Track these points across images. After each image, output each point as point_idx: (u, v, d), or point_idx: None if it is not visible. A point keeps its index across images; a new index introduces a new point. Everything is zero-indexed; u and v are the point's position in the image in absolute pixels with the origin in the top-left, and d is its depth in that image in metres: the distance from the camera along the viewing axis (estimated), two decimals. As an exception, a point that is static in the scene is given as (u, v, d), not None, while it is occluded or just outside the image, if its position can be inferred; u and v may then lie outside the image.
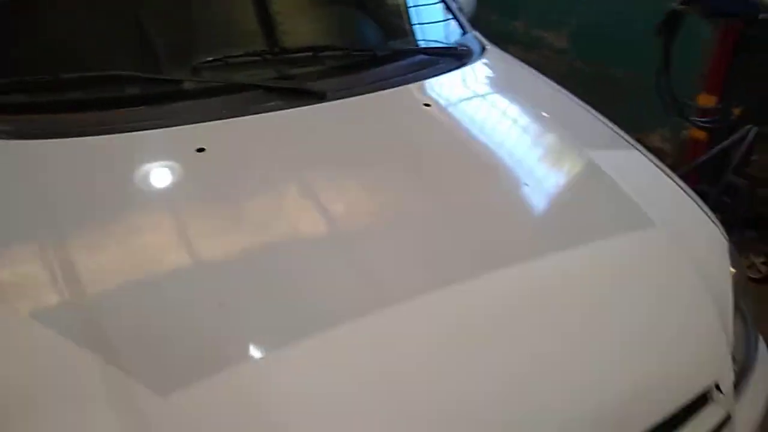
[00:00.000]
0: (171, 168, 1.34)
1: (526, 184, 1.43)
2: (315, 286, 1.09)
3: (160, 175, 1.33)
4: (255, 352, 1.01)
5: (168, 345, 0.98)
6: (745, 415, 1.25)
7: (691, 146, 3.43)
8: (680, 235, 1.36)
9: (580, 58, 4.21)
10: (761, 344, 1.43)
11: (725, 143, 3.00)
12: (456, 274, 1.14)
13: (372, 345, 1.02)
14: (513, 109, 1.74)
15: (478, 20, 5.02)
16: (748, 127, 2.99)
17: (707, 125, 3.02)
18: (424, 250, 1.19)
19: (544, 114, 1.71)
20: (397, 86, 1.65)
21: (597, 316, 1.16)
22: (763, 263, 2.81)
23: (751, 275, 2.80)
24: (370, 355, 1.01)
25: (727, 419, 1.15)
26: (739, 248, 2.69)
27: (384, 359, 1.00)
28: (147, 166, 1.33)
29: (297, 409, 0.93)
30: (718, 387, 1.16)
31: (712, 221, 1.49)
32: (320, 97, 1.53)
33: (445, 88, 1.74)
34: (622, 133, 1.71)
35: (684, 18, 2.78)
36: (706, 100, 3.18)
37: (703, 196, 2.95)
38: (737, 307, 1.33)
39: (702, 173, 3.31)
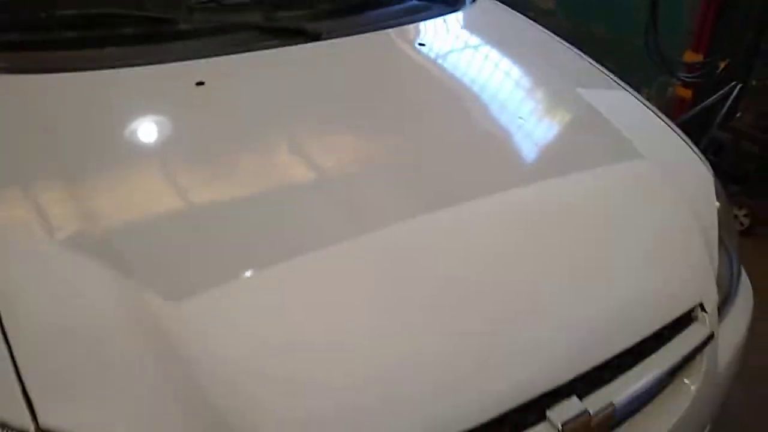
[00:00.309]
0: (173, 98, 1.35)
1: (521, 118, 1.46)
2: (313, 207, 1.13)
3: (162, 105, 1.35)
4: (256, 265, 1.04)
5: (176, 259, 1.01)
6: (728, 337, 1.31)
7: (677, 104, 3.48)
8: (669, 168, 1.40)
9: (567, 19, 4.22)
10: (744, 275, 1.49)
11: (710, 99, 3.05)
12: (451, 200, 1.18)
13: (372, 260, 1.06)
14: (506, 51, 1.75)
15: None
16: (734, 83, 3.05)
17: (694, 80, 3.06)
18: (421, 176, 1.22)
19: (537, 56, 1.74)
20: (390, 28, 1.67)
21: (588, 238, 1.21)
22: (746, 216, 2.88)
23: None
24: (369, 269, 1.05)
25: (710, 337, 1.20)
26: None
27: (385, 272, 1.04)
28: (149, 97, 1.34)
29: (297, 315, 0.97)
30: (702, 307, 1.22)
31: (699, 158, 1.53)
32: (315, 37, 1.54)
33: (439, 30, 1.76)
34: (612, 76, 1.74)
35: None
36: (693, 57, 3.23)
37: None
38: (721, 238, 1.38)
39: (687, 130, 3.37)
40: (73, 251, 1.00)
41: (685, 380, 1.19)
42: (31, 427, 0.84)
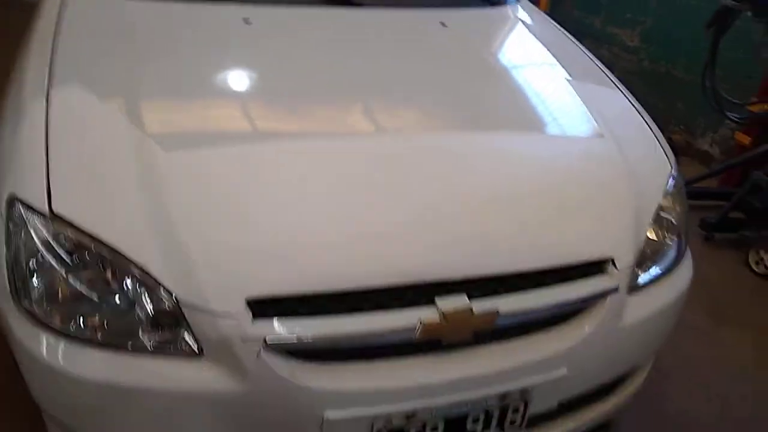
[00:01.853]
0: (223, 29, 1.74)
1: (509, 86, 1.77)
2: (330, 108, 1.53)
3: (214, 33, 1.73)
4: (250, 141, 1.40)
5: (186, 130, 1.38)
6: (649, 300, 1.46)
7: (736, 152, 3.49)
8: (625, 150, 1.57)
9: (649, 58, 4.30)
10: (687, 266, 1.61)
11: (761, 148, 3.06)
12: (440, 124, 1.57)
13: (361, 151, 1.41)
14: (519, 40, 2.01)
15: (559, 14, 5.23)
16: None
17: (741, 122, 3.09)
18: (425, 108, 1.60)
19: (544, 47, 1.98)
20: (423, 8, 1.97)
21: (526, 175, 1.45)
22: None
23: (756, 270, 2.88)
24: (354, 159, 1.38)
25: (613, 290, 1.35)
26: (753, 244, 2.80)
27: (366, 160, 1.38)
28: (203, 27, 1.74)
29: (263, 186, 1.26)
30: (614, 263, 1.37)
31: (666, 154, 1.67)
32: (357, 3, 1.87)
33: (466, 16, 2.06)
34: (612, 77, 1.91)
35: (735, 15, 2.87)
36: (757, 107, 3.24)
37: (728, 195, 3.05)
38: (671, 222, 1.55)
39: (735, 172, 3.38)
40: (119, 114, 1.37)
41: (582, 320, 1.35)
42: (46, 211, 1.17)
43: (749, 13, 2.83)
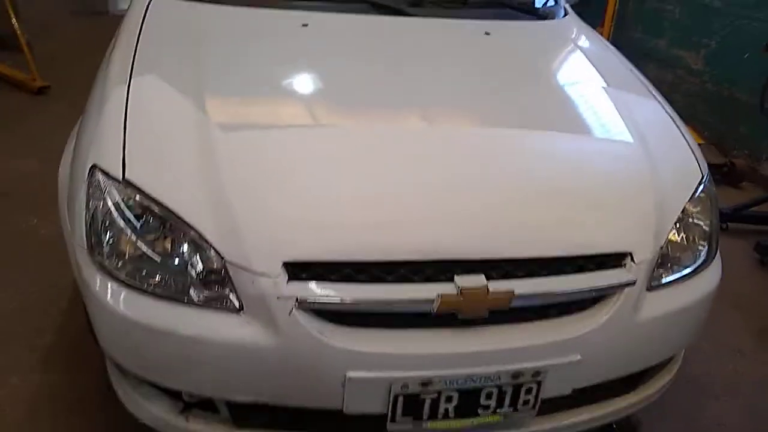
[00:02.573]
0: (283, 32, 1.94)
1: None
2: (374, 102, 1.70)
3: (276, 35, 1.94)
4: (305, 121, 1.61)
5: (245, 113, 1.58)
6: (670, 299, 1.51)
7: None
8: (654, 156, 1.64)
9: (712, 81, 4.25)
10: (715, 271, 1.64)
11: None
12: (478, 121, 1.71)
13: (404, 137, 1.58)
14: (560, 51, 2.11)
15: (623, 37, 5.26)
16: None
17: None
18: (465, 106, 1.75)
19: (585, 57, 2.07)
20: (469, 19, 2.10)
21: (555, 170, 1.55)
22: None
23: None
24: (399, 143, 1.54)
25: (630, 283, 1.41)
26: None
27: (409, 147, 1.53)
28: (266, 30, 1.95)
29: (311, 167, 1.42)
30: (632, 258, 1.44)
31: (698, 162, 1.71)
32: (408, 14, 2.07)
33: (508, 26, 2.19)
34: (653, 90, 1.97)
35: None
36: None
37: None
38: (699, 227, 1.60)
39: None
40: (187, 101, 1.57)
41: (598, 310, 1.42)
42: (120, 177, 1.36)
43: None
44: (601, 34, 4.79)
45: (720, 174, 3.81)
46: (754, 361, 2.41)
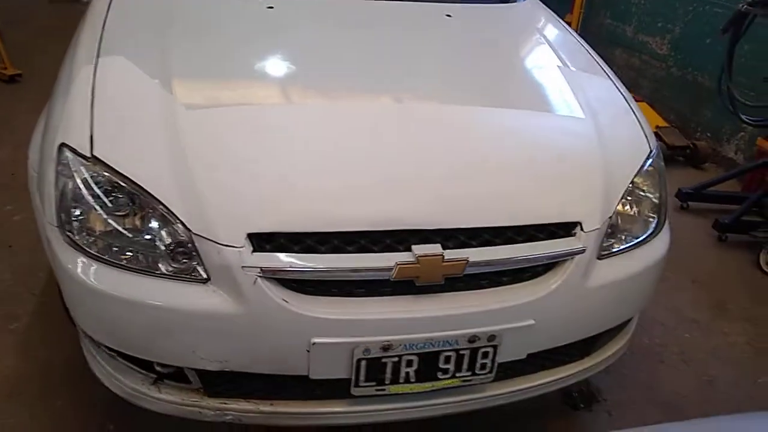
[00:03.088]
0: (249, 14, 2.00)
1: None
2: (334, 79, 1.75)
3: (241, 17, 1.99)
4: (268, 99, 1.66)
5: (209, 94, 1.62)
6: (619, 266, 1.60)
7: (757, 157, 3.53)
8: (602, 131, 1.72)
9: (677, 66, 4.36)
10: (663, 240, 1.73)
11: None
12: (434, 97, 1.78)
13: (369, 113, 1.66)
14: (519, 33, 2.20)
15: (592, 24, 5.34)
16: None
17: (756, 125, 3.16)
18: (422, 82, 1.82)
19: (544, 39, 2.15)
20: (431, 2, 2.18)
21: (506, 143, 1.64)
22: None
23: (766, 270, 2.94)
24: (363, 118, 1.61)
25: (580, 251, 1.49)
26: (765, 245, 2.86)
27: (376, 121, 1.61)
28: (233, 12, 2.00)
29: (272, 141, 1.49)
30: (582, 227, 1.52)
31: (646, 137, 1.80)
32: None
33: (469, 9, 2.27)
34: (604, 66, 2.05)
35: (750, 19, 2.95)
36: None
37: (742, 198, 3.13)
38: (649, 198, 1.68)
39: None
40: (153, 80, 1.62)
41: (550, 277, 1.49)
42: (88, 154, 1.41)
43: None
44: (571, 21, 4.91)
45: (683, 155, 3.94)
46: (709, 332, 2.52)
